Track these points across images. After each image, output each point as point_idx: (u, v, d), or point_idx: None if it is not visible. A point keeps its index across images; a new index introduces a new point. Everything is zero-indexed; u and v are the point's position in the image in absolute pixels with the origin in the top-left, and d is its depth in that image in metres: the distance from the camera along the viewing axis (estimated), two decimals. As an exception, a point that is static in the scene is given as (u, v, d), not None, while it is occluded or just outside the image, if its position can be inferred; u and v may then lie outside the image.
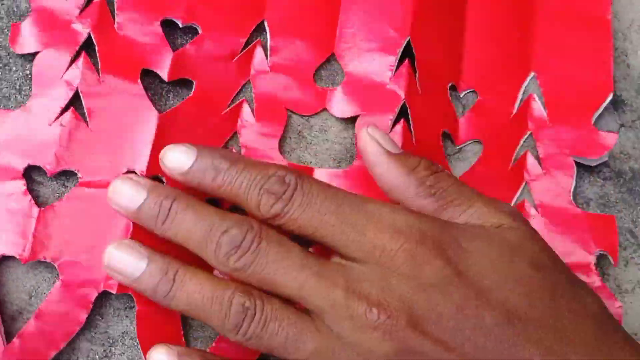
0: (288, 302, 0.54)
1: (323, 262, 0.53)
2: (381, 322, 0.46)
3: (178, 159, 0.69)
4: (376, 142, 0.66)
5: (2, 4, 0.90)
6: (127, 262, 0.60)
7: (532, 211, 0.94)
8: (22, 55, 0.88)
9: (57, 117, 0.84)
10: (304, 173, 0.61)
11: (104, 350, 0.76)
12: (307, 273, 0.51)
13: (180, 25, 0.93)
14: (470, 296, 0.48)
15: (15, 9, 0.90)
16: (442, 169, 0.70)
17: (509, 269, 0.51)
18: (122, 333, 0.77)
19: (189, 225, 0.57)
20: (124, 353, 0.77)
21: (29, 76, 0.88)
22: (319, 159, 0.93)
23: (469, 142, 0.98)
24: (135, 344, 0.76)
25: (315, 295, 0.50)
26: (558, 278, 0.53)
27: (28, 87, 0.87)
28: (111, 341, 0.78)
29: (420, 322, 0.46)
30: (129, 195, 0.63)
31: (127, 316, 0.79)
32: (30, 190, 0.81)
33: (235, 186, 0.58)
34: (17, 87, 0.87)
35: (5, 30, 0.89)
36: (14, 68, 0.87)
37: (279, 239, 0.54)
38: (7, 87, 0.86)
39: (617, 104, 1.02)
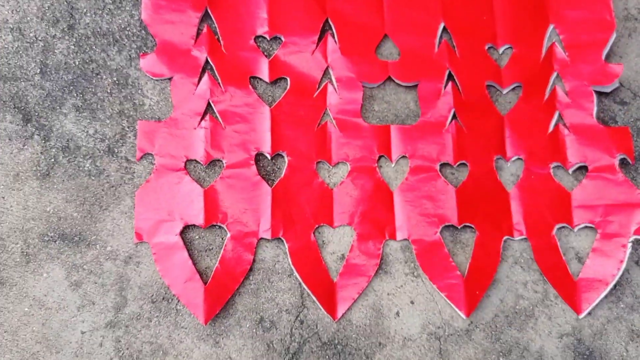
0: None
1: None
2: None
3: None
4: None
5: (88, 26, 1.20)
6: None
7: (565, 131, 1.20)
8: (110, 66, 1.19)
9: (200, 123, 1.15)
10: None
11: (263, 279, 1.12)
12: None
13: (268, 38, 1.22)
14: None
15: (98, 30, 1.21)
16: None
17: None
18: (275, 263, 1.12)
19: None
20: (281, 280, 1.12)
21: (117, 82, 1.17)
22: (389, 119, 1.21)
23: (512, 86, 1.25)
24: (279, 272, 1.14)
25: None
26: None
27: (117, 91, 1.17)
28: (270, 271, 1.11)
29: None
30: None
31: (279, 250, 1.12)
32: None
33: None
34: (109, 91, 1.16)
35: (94, 47, 1.19)
36: (104, 76, 1.17)
37: None
38: (101, 92, 1.16)
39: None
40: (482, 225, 1.19)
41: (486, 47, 1.27)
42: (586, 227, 1.20)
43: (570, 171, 1.22)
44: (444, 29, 1.27)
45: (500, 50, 1.28)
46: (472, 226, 1.20)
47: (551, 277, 1.19)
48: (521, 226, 1.20)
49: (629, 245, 1.17)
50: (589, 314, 1.16)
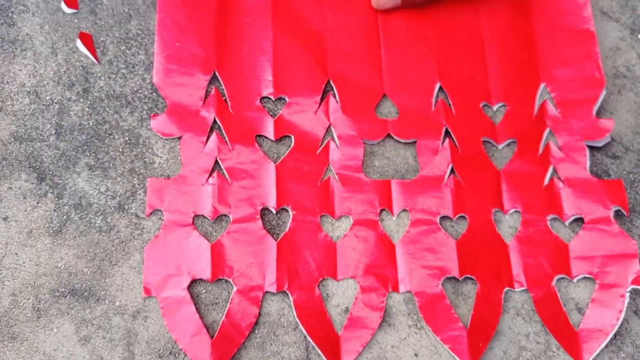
0: None
1: None
2: None
3: None
4: None
5: (102, 89, 1.25)
6: None
7: (560, 184, 1.23)
8: (122, 126, 1.23)
9: (207, 180, 1.19)
10: None
11: (268, 332, 1.12)
12: None
13: (273, 99, 1.28)
14: None
15: (112, 92, 1.26)
16: None
17: None
18: (280, 316, 1.13)
19: None
20: (286, 333, 1.12)
21: (128, 142, 1.21)
22: (390, 174, 1.25)
23: (507, 141, 1.29)
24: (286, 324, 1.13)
25: None
26: None
27: (128, 150, 1.21)
28: (275, 325, 1.13)
29: None
30: None
31: (284, 303, 1.13)
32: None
33: None
34: (121, 150, 1.21)
35: (107, 109, 1.24)
36: (116, 136, 1.22)
37: None
38: (113, 151, 1.20)
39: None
40: (483, 276, 1.21)
41: (481, 105, 1.32)
42: (585, 277, 1.21)
43: (566, 223, 1.24)
44: (440, 88, 1.32)
45: (495, 107, 1.33)
46: (473, 278, 1.21)
47: (553, 328, 1.18)
48: (521, 277, 1.21)
49: (627, 295, 1.17)
50: (591, 364, 1.16)
